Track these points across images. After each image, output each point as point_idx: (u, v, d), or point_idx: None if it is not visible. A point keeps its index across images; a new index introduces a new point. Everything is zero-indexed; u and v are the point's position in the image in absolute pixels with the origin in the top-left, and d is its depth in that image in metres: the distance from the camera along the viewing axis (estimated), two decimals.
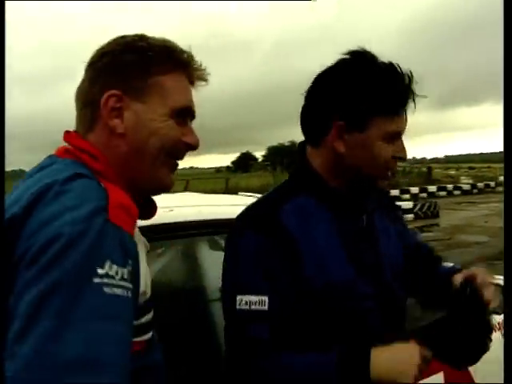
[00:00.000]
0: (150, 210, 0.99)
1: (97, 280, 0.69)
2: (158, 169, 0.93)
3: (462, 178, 37.58)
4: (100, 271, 0.70)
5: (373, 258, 1.17)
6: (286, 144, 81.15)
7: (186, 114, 0.95)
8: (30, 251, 0.70)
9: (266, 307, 1.04)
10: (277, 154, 75.92)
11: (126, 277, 0.73)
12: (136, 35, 0.96)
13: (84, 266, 0.70)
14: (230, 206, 1.98)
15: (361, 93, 1.09)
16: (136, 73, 0.91)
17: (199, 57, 0.96)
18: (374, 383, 1.00)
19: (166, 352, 0.94)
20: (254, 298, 1.05)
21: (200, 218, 1.62)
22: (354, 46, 1.14)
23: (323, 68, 1.15)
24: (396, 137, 1.12)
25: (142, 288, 0.84)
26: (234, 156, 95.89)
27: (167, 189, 0.96)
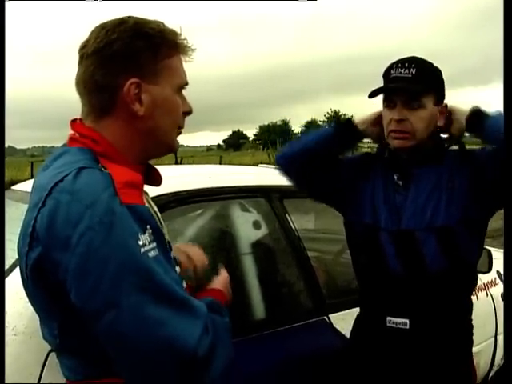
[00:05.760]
0: (155, 176, 1.10)
1: (142, 250, 0.85)
2: (171, 139, 1.06)
3: None
4: (140, 243, 0.85)
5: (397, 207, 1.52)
6: (278, 123, 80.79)
7: (183, 87, 1.07)
8: (75, 253, 0.83)
9: None
10: (268, 132, 75.65)
11: (150, 240, 0.88)
12: (131, 18, 1.01)
13: (128, 244, 0.84)
14: (254, 174, 2.28)
15: None
16: (149, 58, 0.99)
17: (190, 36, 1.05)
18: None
19: None
20: None
21: (232, 185, 1.89)
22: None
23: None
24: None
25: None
26: (225, 134, 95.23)
27: (175, 151, 1.11)
